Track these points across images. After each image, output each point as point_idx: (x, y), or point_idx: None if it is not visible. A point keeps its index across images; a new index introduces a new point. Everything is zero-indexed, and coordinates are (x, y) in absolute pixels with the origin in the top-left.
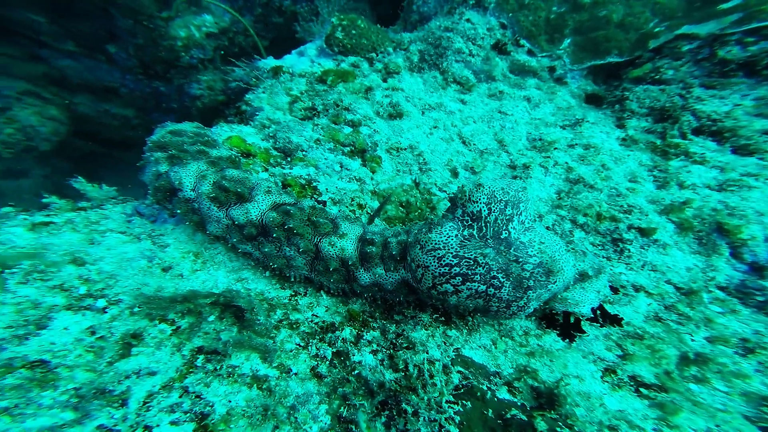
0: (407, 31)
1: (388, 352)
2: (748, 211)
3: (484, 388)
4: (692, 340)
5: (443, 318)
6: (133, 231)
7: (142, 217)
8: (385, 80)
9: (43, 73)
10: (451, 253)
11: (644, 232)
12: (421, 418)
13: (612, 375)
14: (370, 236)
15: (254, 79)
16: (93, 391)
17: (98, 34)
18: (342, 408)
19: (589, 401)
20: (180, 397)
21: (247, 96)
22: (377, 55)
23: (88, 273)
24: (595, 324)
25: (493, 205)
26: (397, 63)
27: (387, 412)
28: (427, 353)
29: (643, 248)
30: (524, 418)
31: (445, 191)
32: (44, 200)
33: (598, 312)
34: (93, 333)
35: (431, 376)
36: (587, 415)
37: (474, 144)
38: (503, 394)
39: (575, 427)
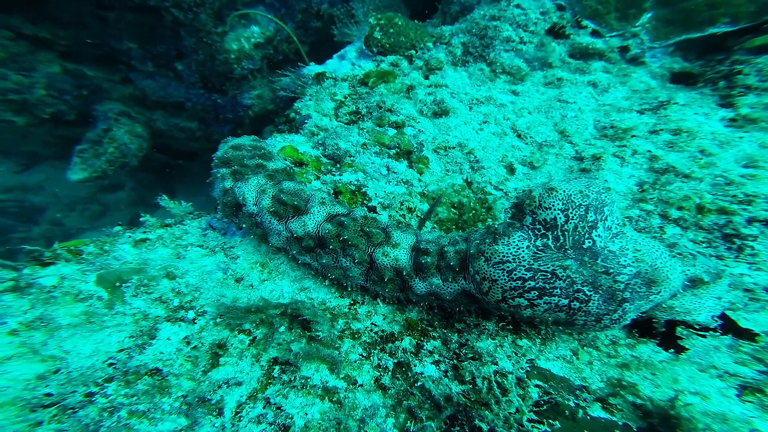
0: (447, 23)
1: (451, 362)
2: None
3: (572, 404)
4: None
5: (511, 326)
6: (209, 244)
7: (215, 231)
8: (426, 77)
9: (130, 94)
10: (524, 266)
11: None
12: None
13: (757, 394)
14: (424, 245)
15: (300, 87)
16: (196, 400)
17: (170, 54)
18: (409, 422)
19: (728, 424)
20: (264, 408)
21: (295, 104)
22: (416, 52)
23: (179, 286)
24: (711, 333)
25: (570, 211)
26: (438, 58)
27: (458, 429)
28: (497, 365)
29: None
30: None
31: (501, 189)
32: (141, 218)
33: (719, 321)
34: (188, 343)
35: (505, 391)
36: None
37: (531, 137)
38: (597, 411)
39: None
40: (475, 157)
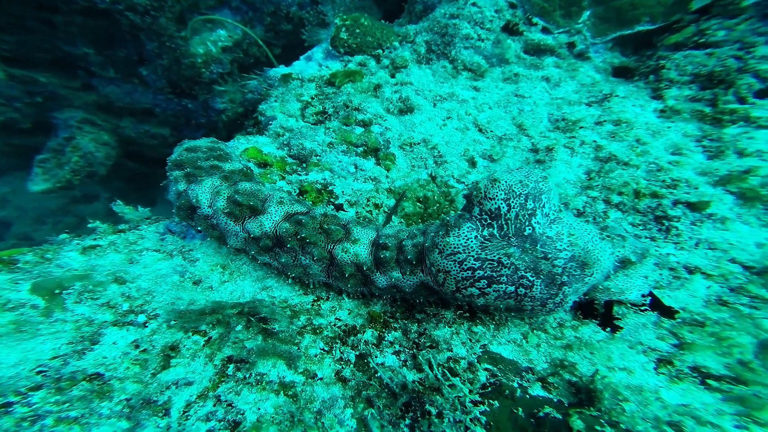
0: (412, 23)
1: (411, 352)
2: None
3: (515, 385)
4: None
5: (468, 314)
6: (166, 248)
7: (174, 235)
8: (393, 76)
9: (94, 101)
10: (473, 256)
11: (695, 207)
12: (446, 420)
13: (668, 366)
14: (383, 240)
15: (266, 89)
16: (141, 402)
17: (131, 59)
18: (366, 411)
19: (642, 395)
20: (214, 405)
21: (260, 106)
22: (383, 51)
23: (129, 290)
24: (641, 311)
25: (512, 200)
26: (403, 57)
27: (411, 414)
28: (452, 351)
29: (695, 224)
30: (559, 416)
31: (463, 182)
32: (90, 225)
33: (649, 300)
34: (137, 346)
35: (455, 375)
36: (640, 411)
37: (491, 131)
38: (537, 390)
39: (622, 425)
40: (439, 152)
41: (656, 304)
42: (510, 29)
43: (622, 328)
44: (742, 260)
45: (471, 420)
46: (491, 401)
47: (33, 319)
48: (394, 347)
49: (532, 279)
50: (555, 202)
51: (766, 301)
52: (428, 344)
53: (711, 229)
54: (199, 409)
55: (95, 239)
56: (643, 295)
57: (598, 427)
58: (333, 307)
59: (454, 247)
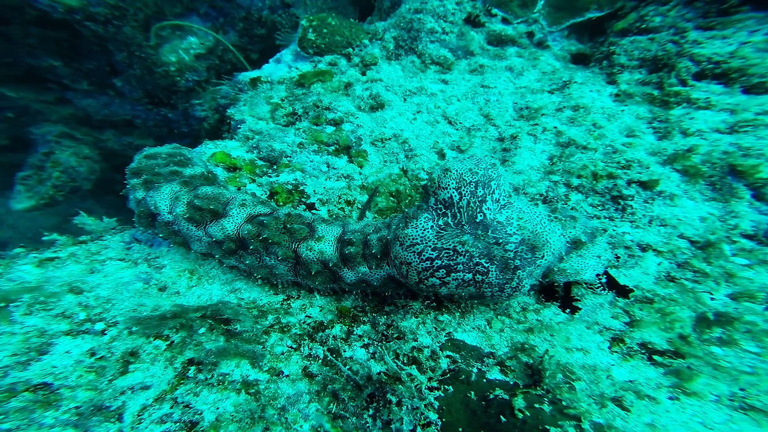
0: (382, 20)
1: (379, 344)
2: (767, 149)
3: (475, 370)
4: (712, 299)
5: (435, 304)
6: (132, 257)
7: (140, 243)
8: (363, 74)
9: (71, 114)
10: (430, 246)
11: (646, 185)
12: (404, 407)
13: (620, 344)
14: (349, 236)
15: (236, 93)
16: (91, 409)
17: (103, 70)
18: (332, 404)
19: (594, 374)
20: (170, 408)
21: (228, 111)
22: (353, 50)
23: (86, 300)
24: (600, 291)
25: (463, 188)
26: (373, 54)
27: (374, 404)
28: (417, 341)
29: (647, 202)
30: (506, 397)
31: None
32: (45, 238)
33: (604, 279)
34: (93, 354)
35: (418, 364)
36: (588, 389)
37: (460, 122)
38: (495, 374)
39: (564, 402)
40: (410, 146)
41: (612, 284)
42: (472, 21)
43: (580, 309)
44: (689, 235)
45: (426, 406)
46: (447, 387)
47: None
48: (363, 340)
49: (487, 265)
50: (506, 188)
51: (706, 275)
52: (396, 336)
53: (662, 206)
54: (155, 411)
55: (55, 251)
56: (597, 275)
57: (537, 405)
58: (303, 305)
59: (413, 239)
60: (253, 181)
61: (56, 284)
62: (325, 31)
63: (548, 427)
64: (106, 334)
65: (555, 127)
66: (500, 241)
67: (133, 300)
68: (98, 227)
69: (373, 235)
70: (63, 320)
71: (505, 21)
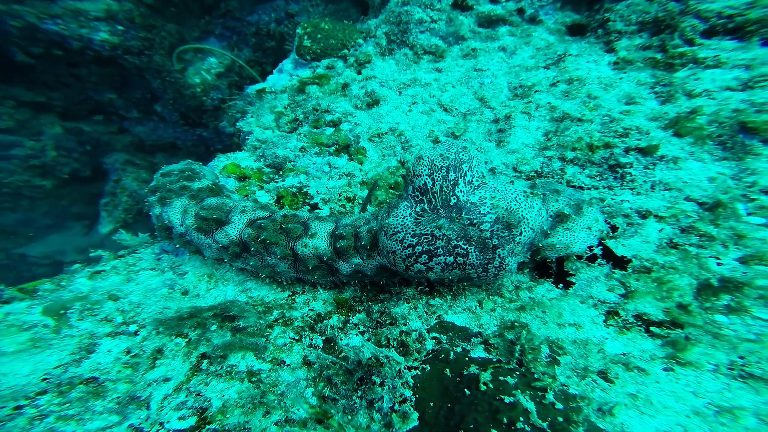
0: (375, 17)
1: (374, 331)
2: None
3: (459, 350)
4: (719, 264)
5: (428, 289)
6: (161, 266)
7: (168, 254)
8: (359, 73)
9: (130, 142)
10: (409, 233)
11: (645, 151)
12: (386, 387)
13: (615, 318)
14: (340, 230)
15: (247, 106)
16: (127, 399)
17: (146, 98)
18: (326, 389)
19: (585, 348)
20: (185, 396)
21: (238, 124)
22: (349, 51)
23: (122, 305)
24: (594, 264)
25: (435, 174)
26: (366, 52)
27: (363, 386)
28: (407, 325)
29: (648, 168)
30: (477, 371)
31: None
32: (92, 254)
33: (600, 251)
34: (128, 352)
35: (406, 347)
36: (574, 362)
37: (456, 109)
38: (479, 353)
39: (536, 375)
40: (406, 137)
41: (608, 255)
42: (460, 5)
43: (574, 284)
44: (696, 197)
45: (402, 384)
46: (425, 366)
47: (46, 336)
48: (359, 328)
49: (465, 247)
50: (479, 170)
51: (712, 238)
52: (388, 322)
53: (665, 170)
54: (173, 400)
55: (102, 266)
56: (590, 247)
57: (501, 377)
58: (307, 299)
59: (394, 227)
60: (261, 188)
61: (99, 293)
62: (319, 36)
63: (503, 397)
64: (138, 334)
65: (549, 103)
66: (475, 221)
67: (160, 304)
68: (134, 242)
69: (363, 227)
70: (106, 324)
71: (493, 1)
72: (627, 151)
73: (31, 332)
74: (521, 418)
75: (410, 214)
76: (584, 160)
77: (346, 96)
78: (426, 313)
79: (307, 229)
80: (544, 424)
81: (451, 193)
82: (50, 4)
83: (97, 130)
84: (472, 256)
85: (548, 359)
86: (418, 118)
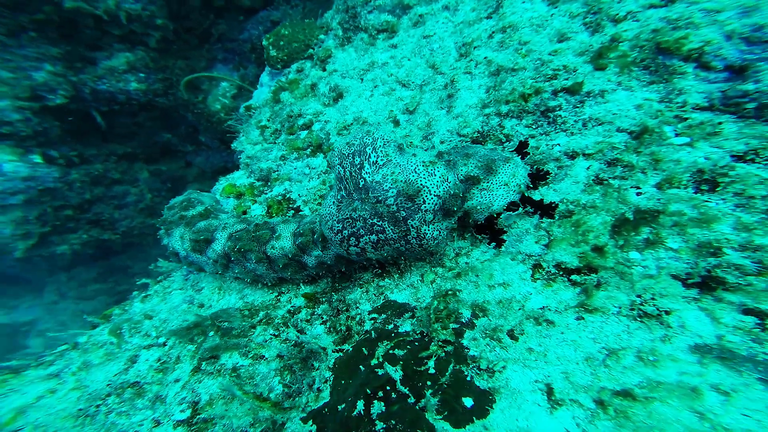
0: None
1: (334, 319)
2: (695, 15)
3: (390, 327)
4: (638, 194)
5: (380, 270)
6: (186, 285)
7: (193, 274)
8: (324, 69)
9: (197, 173)
10: (335, 219)
11: (572, 90)
12: (318, 369)
13: (540, 271)
14: (300, 228)
15: (238, 125)
16: (155, 397)
17: (188, 131)
18: (288, 376)
19: (508, 307)
20: (186, 393)
21: (232, 145)
22: (314, 49)
23: (155, 322)
24: (527, 216)
25: (344, 161)
26: (327, 47)
27: (305, 371)
28: (358, 309)
29: (577, 107)
30: (382, 348)
31: None
32: (138, 282)
33: (519, 204)
34: (159, 360)
35: (348, 330)
36: (489, 323)
37: (413, 82)
38: (407, 326)
39: (433, 343)
40: (369, 123)
41: (534, 204)
42: None
43: (505, 241)
44: (626, 127)
45: (326, 367)
46: (348, 347)
47: (114, 351)
48: (322, 318)
49: (380, 224)
50: (384, 150)
51: (632, 167)
52: (344, 308)
53: (593, 105)
54: (178, 396)
55: (149, 291)
56: (512, 203)
57: (391, 351)
58: (290, 297)
59: (324, 216)
60: (255, 201)
61: (138, 314)
62: (282, 43)
63: (378, 370)
64: (166, 345)
65: (485, 57)
66: (380, 198)
67: (181, 317)
68: (169, 267)
69: (317, 222)
70: (147, 338)
71: None
72: (555, 93)
73: (104, 349)
74: (387, 387)
75: (333, 202)
76: (519, 111)
77: (315, 96)
78: (375, 295)
79: (274, 232)
80: (405, 389)
81: (359, 176)
82: (95, 67)
83: (170, 167)
84: (389, 230)
85: (457, 325)
86: (379, 100)
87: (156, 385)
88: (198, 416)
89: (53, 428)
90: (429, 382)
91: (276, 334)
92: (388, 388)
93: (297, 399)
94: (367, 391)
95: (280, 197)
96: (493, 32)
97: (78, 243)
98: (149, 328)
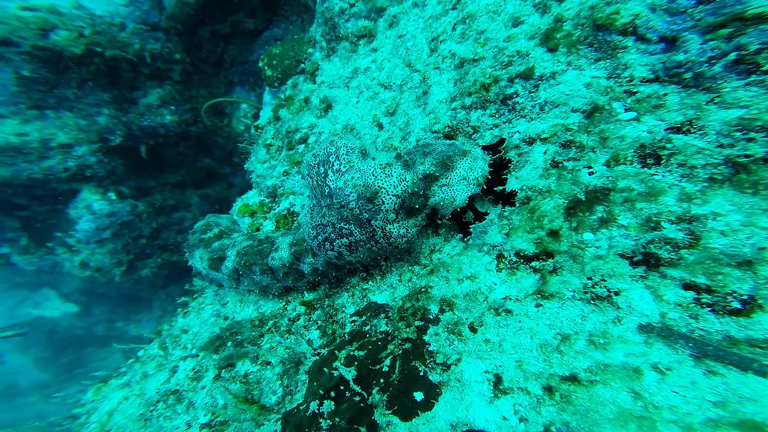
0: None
1: (326, 323)
2: None
3: (367, 328)
4: (590, 173)
5: (365, 273)
6: (215, 301)
7: (222, 289)
8: (314, 82)
9: (238, 193)
10: (310, 227)
11: (525, 75)
12: (301, 369)
13: (503, 260)
14: (294, 239)
15: (249, 146)
16: (189, 402)
17: (224, 154)
18: (286, 379)
19: (473, 300)
20: (209, 398)
21: (245, 166)
22: (305, 64)
23: (189, 336)
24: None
25: (311, 172)
26: (314, 60)
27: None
28: (343, 312)
29: (533, 92)
30: (349, 350)
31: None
32: (178, 300)
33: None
34: (193, 369)
35: (332, 334)
36: (452, 318)
37: (394, 83)
38: (381, 326)
39: (395, 340)
40: (357, 130)
41: (495, 194)
42: None
43: (471, 233)
44: (579, 107)
45: (303, 370)
46: (330, 348)
47: (163, 362)
48: (317, 323)
49: (348, 227)
50: (347, 157)
51: (583, 147)
52: (333, 313)
53: (547, 88)
54: (203, 401)
55: (188, 308)
56: (470, 195)
57: (352, 353)
58: (294, 306)
59: (302, 225)
60: (266, 218)
61: (176, 329)
62: (274, 62)
63: (333, 372)
64: (198, 355)
65: (450, 50)
66: (343, 203)
67: (209, 330)
68: (202, 285)
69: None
70: (184, 350)
71: None
72: (511, 80)
73: (156, 361)
74: (341, 387)
75: (308, 211)
76: (482, 102)
77: (309, 109)
78: (360, 298)
79: (274, 245)
80: (358, 388)
81: (324, 184)
82: (136, 105)
83: (216, 190)
84: (356, 233)
85: (422, 322)
86: (364, 106)
87: (191, 392)
88: (217, 419)
89: (128, 430)
90: (382, 380)
91: (281, 341)
92: (341, 387)
93: (294, 396)
94: (320, 391)
95: (285, 211)
96: (456, 24)
97: (155, 266)
98: (186, 341)
